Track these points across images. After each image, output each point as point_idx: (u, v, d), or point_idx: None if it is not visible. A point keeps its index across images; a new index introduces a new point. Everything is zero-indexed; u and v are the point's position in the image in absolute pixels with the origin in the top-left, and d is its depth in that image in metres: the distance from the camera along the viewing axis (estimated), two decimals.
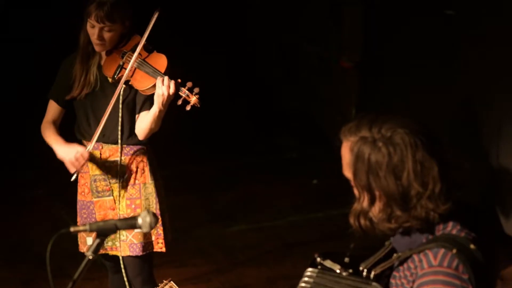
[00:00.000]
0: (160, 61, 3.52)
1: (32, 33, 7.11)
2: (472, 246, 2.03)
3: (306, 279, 2.33)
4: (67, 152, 3.54)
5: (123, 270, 3.74)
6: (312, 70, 7.62)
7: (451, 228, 2.08)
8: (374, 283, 2.18)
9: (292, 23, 7.83)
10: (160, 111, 3.45)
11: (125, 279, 3.77)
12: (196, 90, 3.41)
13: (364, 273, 2.22)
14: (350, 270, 2.26)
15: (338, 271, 2.27)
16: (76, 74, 3.61)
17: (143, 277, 3.73)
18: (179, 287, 3.08)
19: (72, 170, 3.56)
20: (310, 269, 2.35)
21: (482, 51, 5.30)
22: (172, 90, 3.38)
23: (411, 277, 2.06)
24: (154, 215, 2.25)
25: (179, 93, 3.42)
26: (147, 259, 3.72)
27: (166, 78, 3.41)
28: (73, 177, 3.58)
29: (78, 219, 3.80)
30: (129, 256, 3.68)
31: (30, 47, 7.01)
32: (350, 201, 2.18)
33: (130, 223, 2.28)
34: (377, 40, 6.52)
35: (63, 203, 5.79)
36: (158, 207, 3.66)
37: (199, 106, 3.40)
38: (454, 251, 2.00)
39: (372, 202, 2.10)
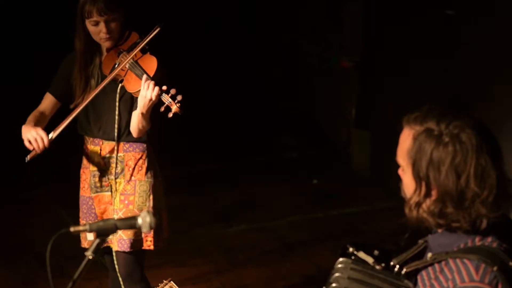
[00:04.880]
0: (151, 64, 3.52)
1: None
2: (511, 263, 2.03)
3: (338, 274, 2.27)
4: (28, 132, 3.52)
5: (116, 267, 3.74)
6: (312, 70, 7.62)
7: (491, 241, 2.08)
8: (406, 281, 2.17)
9: (292, 23, 7.84)
10: (142, 114, 3.46)
11: (120, 278, 3.76)
12: (179, 98, 3.39)
13: (396, 269, 2.20)
14: (383, 264, 2.24)
15: (371, 264, 2.25)
16: (77, 83, 3.63)
17: (133, 277, 3.72)
18: (179, 287, 3.08)
19: (29, 148, 3.52)
20: (342, 259, 2.30)
21: (482, 51, 5.31)
22: (154, 95, 3.38)
23: (446, 283, 2.05)
24: (154, 215, 2.25)
25: (162, 99, 3.41)
26: (137, 258, 3.71)
27: (149, 82, 3.40)
28: (27, 158, 3.55)
29: (80, 214, 3.83)
30: (120, 253, 3.68)
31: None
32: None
33: (130, 223, 2.28)
34: (377, 40, 6.52)
35: (63, 203, 5.80)
36: (151, 204, 3.66)
37: (180, 114, 3.38)
38: (495, 268, 2.00)
39: (427, 194, 2.08)
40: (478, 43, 5.33)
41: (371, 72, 6.62)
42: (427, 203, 2.08)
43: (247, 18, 8.34)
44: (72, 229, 2.24)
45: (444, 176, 2.03)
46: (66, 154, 4.91)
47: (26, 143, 3.52)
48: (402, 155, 2.12)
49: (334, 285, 2.25)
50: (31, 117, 3.65)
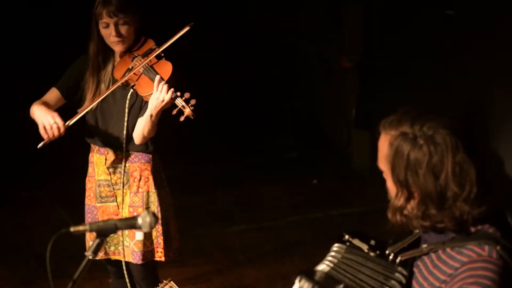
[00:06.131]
0: (165, 68, 3.49)
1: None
2: (509, 245, 2.04)
3: (333, 253, 2.32)
4: (44, 116, 3.42)
5: (125, 275, 3.74)
6: (312, 70, 7.63)
7: (488, 227, 2.08)
8: (400, 268, 2.19)
9: (292, 23, 7.84)
10: (151, 116, 3.42)
11: (128, 285, 3.77)
12: (193, 102, 3.36)
13: (391, 257, 2.22)
14: (378, 252, 2.26)
15: (366, 250, 2.28)
16: (88, 86, 3.61)
17: (148, 280, 3.75)
18: (179, 287, 3.08)
19: (43, 135, 3.43)
20: (337, 244, 2.35)
21: (482, 51, 5.30)
22: (167, 97, 3.35)
23: (448, 268, 2.05)
24: (154, 215, 2.25)
25: (175, 102, 3.38)
26: (150, 265, 3.73)
27: (163, 84, 3.38)
28: (40, 145, 3.43)
29: (85, 222, 3.80)
30: (133, 264, 3.70)
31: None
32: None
33: (130, 223, 2.28)
34: (377, 40, 6.52)
35: (63, 204, 5.80)
36: (159, 215, 3.64)
37: (193, 118, 3.35)
38: (498, 247, 2.02)
39: (408, 198, 2.09)
40: (478, 43, 5.33)
41: (371, 72, 6.62)
42: (409, 207, 2.10)
43: (247, 18, 8.34)
44: (72, 229, 2.24)
45: (422, 179, 2.04)
46: (67, 154, 4.92)
47: (41, 130, 3.42)
48: (382, 161, 2.14)
49: (330, 258, 2.32)
50: (37, 102, 3.55)
